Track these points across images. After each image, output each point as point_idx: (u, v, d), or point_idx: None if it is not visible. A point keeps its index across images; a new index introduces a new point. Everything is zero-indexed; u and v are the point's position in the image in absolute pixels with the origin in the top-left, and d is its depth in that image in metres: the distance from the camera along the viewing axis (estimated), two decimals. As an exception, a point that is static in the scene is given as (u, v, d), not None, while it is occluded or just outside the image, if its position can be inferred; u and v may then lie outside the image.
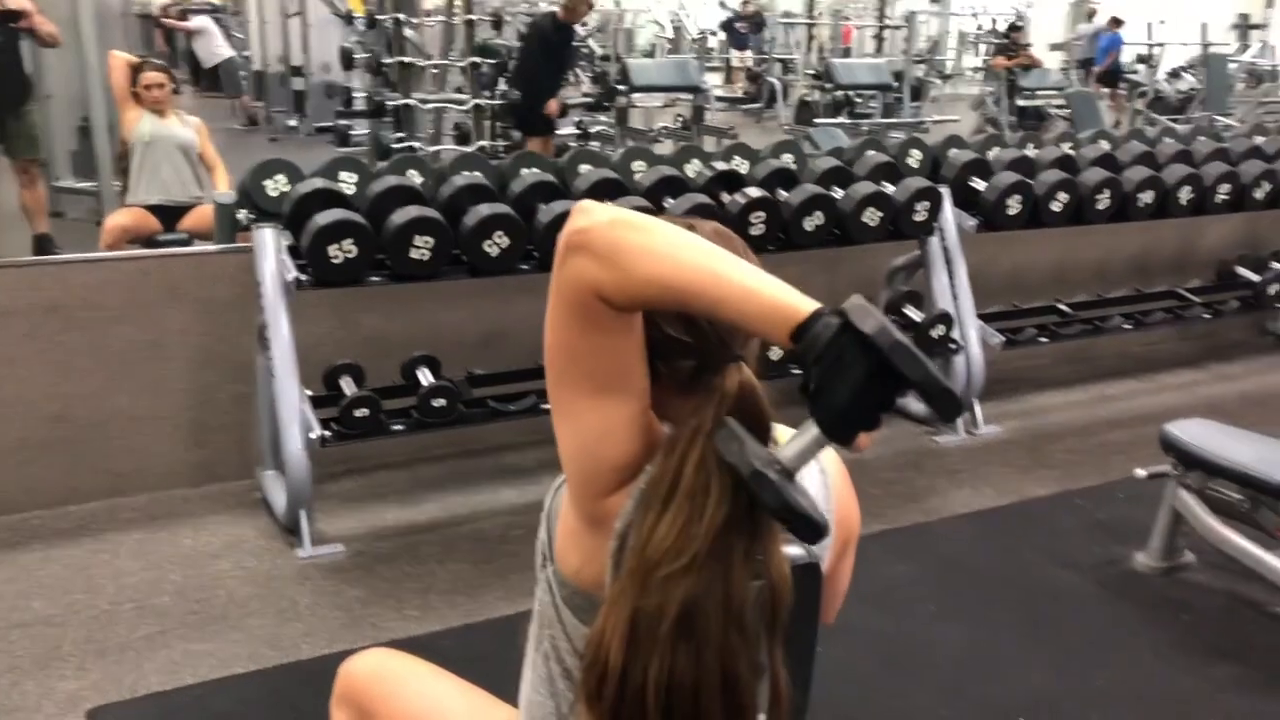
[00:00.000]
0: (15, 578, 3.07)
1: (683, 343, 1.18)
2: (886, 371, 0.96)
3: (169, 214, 5.19)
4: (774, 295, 1.00)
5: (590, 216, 1.04)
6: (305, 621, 2.91)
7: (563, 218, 3.50)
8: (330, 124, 10.07)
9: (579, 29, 8.75)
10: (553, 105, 7.75)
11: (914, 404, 3.72)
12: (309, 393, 3.31)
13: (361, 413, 3.26)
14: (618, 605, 1.15)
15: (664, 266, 1.02)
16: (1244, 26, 17.75)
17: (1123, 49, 15.19)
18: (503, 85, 8.68)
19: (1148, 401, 4.72)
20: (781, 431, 1.28)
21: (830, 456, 1.38)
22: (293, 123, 11.77)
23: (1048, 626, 2.96)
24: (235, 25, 14.50)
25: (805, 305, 1.00)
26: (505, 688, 1.59)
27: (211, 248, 3.73)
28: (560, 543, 1.29)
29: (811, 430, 1.04)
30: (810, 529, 1.05)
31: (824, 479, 1.35)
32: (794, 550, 1.28)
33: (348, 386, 3.39)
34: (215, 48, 12.43)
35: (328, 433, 3.23)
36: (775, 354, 3.43)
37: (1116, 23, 15.66)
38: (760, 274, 1.02)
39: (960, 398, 1.01)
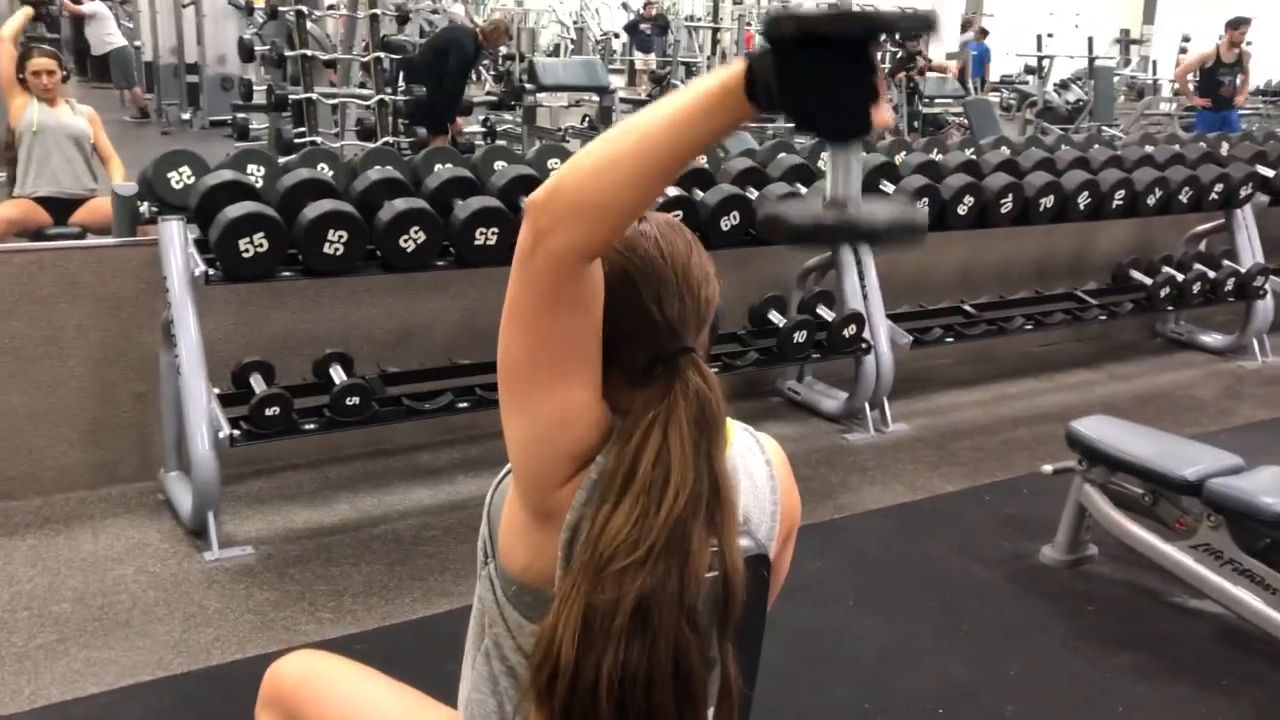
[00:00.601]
0: (-101, 586, 2.92)
1: (635, 334, 1.18)
2: (832, 43, 0.91)
3: (60, 207, 4.99)
4: (706, 89, 0.98)
5: (537, 201, 1.05)
6: (215, 626, 2.81)
7: (480, 214, 3.48)
8: (226, 118, 9.80)
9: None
10: (459, 122, 7.92)
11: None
12: (217, 391, 3.20)
13: (273, 411, 3.17)
14: (570, 600, 1.14)
15: (610, 165, 1.01)
16: (1125, 42, 18.47)
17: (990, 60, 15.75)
18: (403, 83, 8.57)
19: (1047, 400, 4.86)
20: (732, 426, 1.29)
21: (773, 447, 1.38)
22: (186, 116, 11.43)
23: (962, 619, 3.02)
24: (124, 15, 14.03)
25: (735, 68, 0.96)
26: (427, 690, 1.56)
27: (111, 241, 3.59)
28: (505, 539, 1.26)
29: (833, 150, 1.00)
30: (912, 232, 1.04)
31: (770, 469, 1.35)
32: (744, 542, 1.28)
33: (257, 384, 3.29)
34: (106, 34, 11.95)
35: (237, 432, 3.13)
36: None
37: (983, 34, 16.18)
38: (678, 93, 1.01)
39: (926, 14, 0.97)
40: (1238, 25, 8.86)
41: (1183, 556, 2.98)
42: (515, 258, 1.08)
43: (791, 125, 0.97)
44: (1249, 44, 9.20)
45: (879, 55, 0.96)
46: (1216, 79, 9.05)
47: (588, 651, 1.12)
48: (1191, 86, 9.40)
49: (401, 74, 8.57)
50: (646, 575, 1.12)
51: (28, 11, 5.60)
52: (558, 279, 1.06)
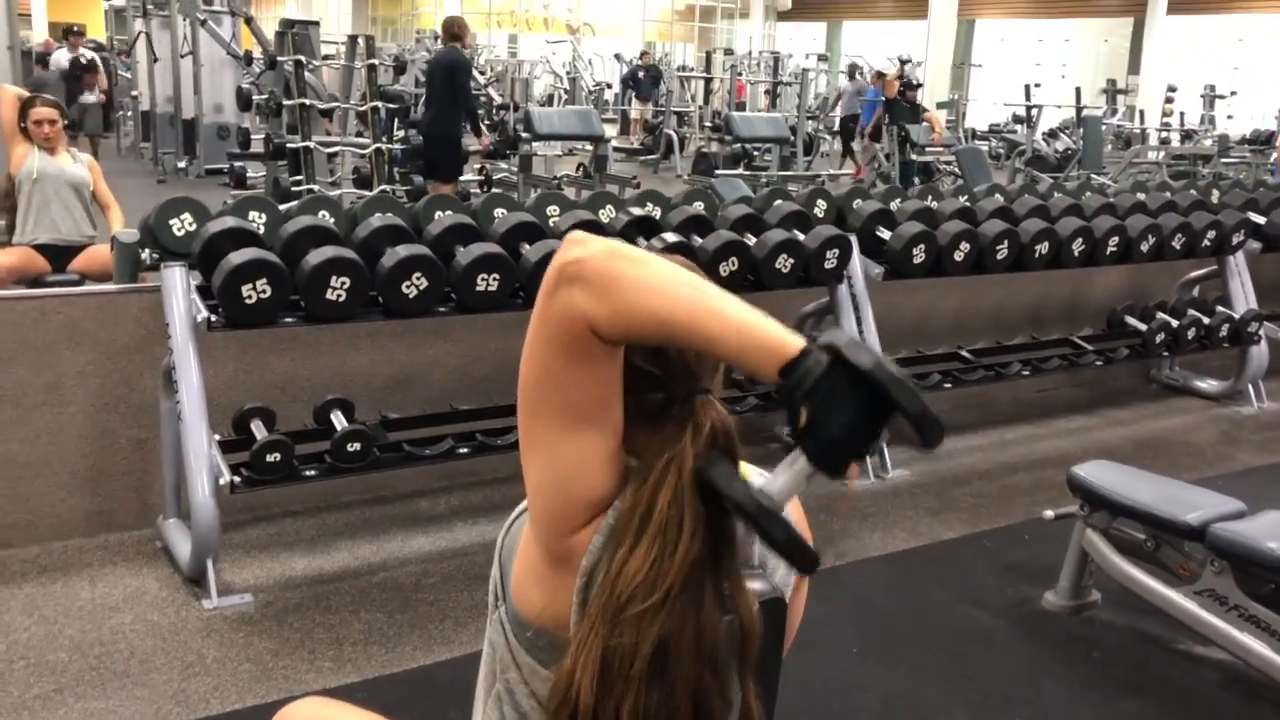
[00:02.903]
0: (-106, 635, 2.88)
1: (651, 375, 1.18)
2: (880, 404, 0.97)
3: (59, 254, 5.00)
4: (766, 331, 1.01)
5: (585, 248, 1.04)
6: (214, 675, 2.78)
7: (481, 261, 3.47)
8: (222, 166, 9.87)
9: (479, 77, 8.79)
10: (485, 139, 7.81)
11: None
12: (217, 437, 3.19)
13: (274, 457, 3.15)
14: (587, 644, 1.13)
15: (660, 301, 1.02)
16: (1112, 91, 18.71)
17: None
18: (400, 131, 8.66)
19: (1045, 446, 4.86)
20: (746, 468, 1.29)
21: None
22: (182, 164, 11.49)
23: (965, 666, 3.00)
24: (122, 65, 14.17)
25: (794, 341, 1.01)
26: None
27: (113, 287, 3.59)
28: (519, 582, 1.26)
29: (800, 463, 1.04)
30: (809, 561, 1.06)
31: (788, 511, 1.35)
32: (758, 585, 1.27)
33: (258, 430, 3.28)
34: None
35: (237, 478, 3.12)
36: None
37: (880, 76, 16.35)
38: (748, 309, 1.03)
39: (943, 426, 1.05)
40: None
41: (1187, 602, 2.97)
42: (540, 288, 1.08)
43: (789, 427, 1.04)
44: None
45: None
46: None
47: (607, 695, 1.11)
48: None
49: (396, 122, 8.66)
50: (665, 618, 1.11)
51: (21, 94, 5.55)
52: (570, 330, 1.06)
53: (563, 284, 1.04)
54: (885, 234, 4.46)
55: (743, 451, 1.20)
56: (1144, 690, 2.91)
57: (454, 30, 7.74)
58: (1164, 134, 16.33)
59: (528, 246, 3.55)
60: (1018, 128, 16.09)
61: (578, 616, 1.16)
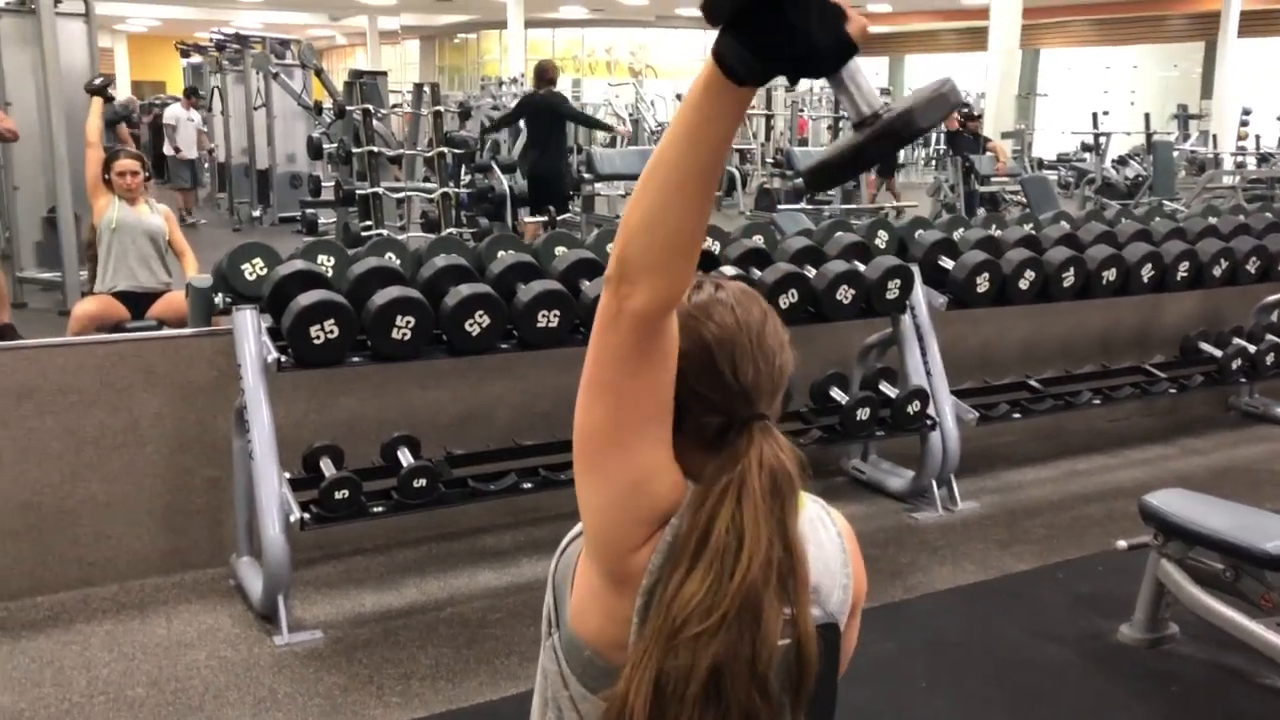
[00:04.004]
0: (-19, 671, 2.98)
1: (709, 398, 1.19)
2: None
3: (137, 300, 5.16)
4: (695, 98, 1.01)
5: (613, 276, 1.08)
6: (284, 711, 2.83)
7: (542, 297, 3.52)
8: (295, 213, 10.12)
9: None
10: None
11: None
12: (288, 475, 3.26)
13: (342, 494, 3.21)
14: (642, 666, 1.14)
15: (659, 208, 1.04)
16: (1184, 117, 18.40)
17: None
18: (466, 175, 8.82)
19: (1119, 476, 4.76)
20: (802, 495, 1.29)
21: (842, 519, 1.38)
22: (257, 213, 11.80)
23: (1037, 701, 2.94)
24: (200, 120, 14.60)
25: (706, 67, 0.99)
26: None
27: (187, 331, 3.70)
28: (577, 604, 1.26)
29: (832, 81, 1.02)
30: (944, 97, 1.01)
31: (841, 541, 1.35)
32: (814, 611, 1.27)
33: (327, 468, 3.34)
34: (182, 144, 12.48)
35: (307, 515, 3.18)
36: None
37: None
38: (675, 114, 1.04)
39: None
40: None
41: (1271, 635, 2.88)
42: (596, 328, 1.11)
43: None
44: None
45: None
46: None
47: (660, 718, 1.12)
48: None
49: (465, 168, 8.83)
50: (720, 642, 1.12)
51: (97, 101, 5.87)
52: (641, 336, 1.09)
53: (624, 304, 1.07)
54: (948, 264, 4.43)
55: (806, 483, 1.20)
56: (1226, 725, 2.83)
57: (549, 74, 8.10)
58: (1239, 158, 15.99)
59: (587, 283, 3.60)
60: (1086, 156, 15.87)
61: (635, 637, 1.17)
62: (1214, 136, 17.40)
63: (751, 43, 0.95)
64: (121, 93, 22.85)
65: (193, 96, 12.56)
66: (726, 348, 1.19)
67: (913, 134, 1.01)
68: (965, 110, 11.31)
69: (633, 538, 1.17)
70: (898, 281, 4.16)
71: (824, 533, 1.33)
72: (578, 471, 1.19)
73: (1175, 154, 14.65)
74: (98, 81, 6.06)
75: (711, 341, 1.19)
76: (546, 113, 7.99)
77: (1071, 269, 4.51)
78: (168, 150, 12.62)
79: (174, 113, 12.55)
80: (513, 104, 14.33)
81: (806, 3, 0.94)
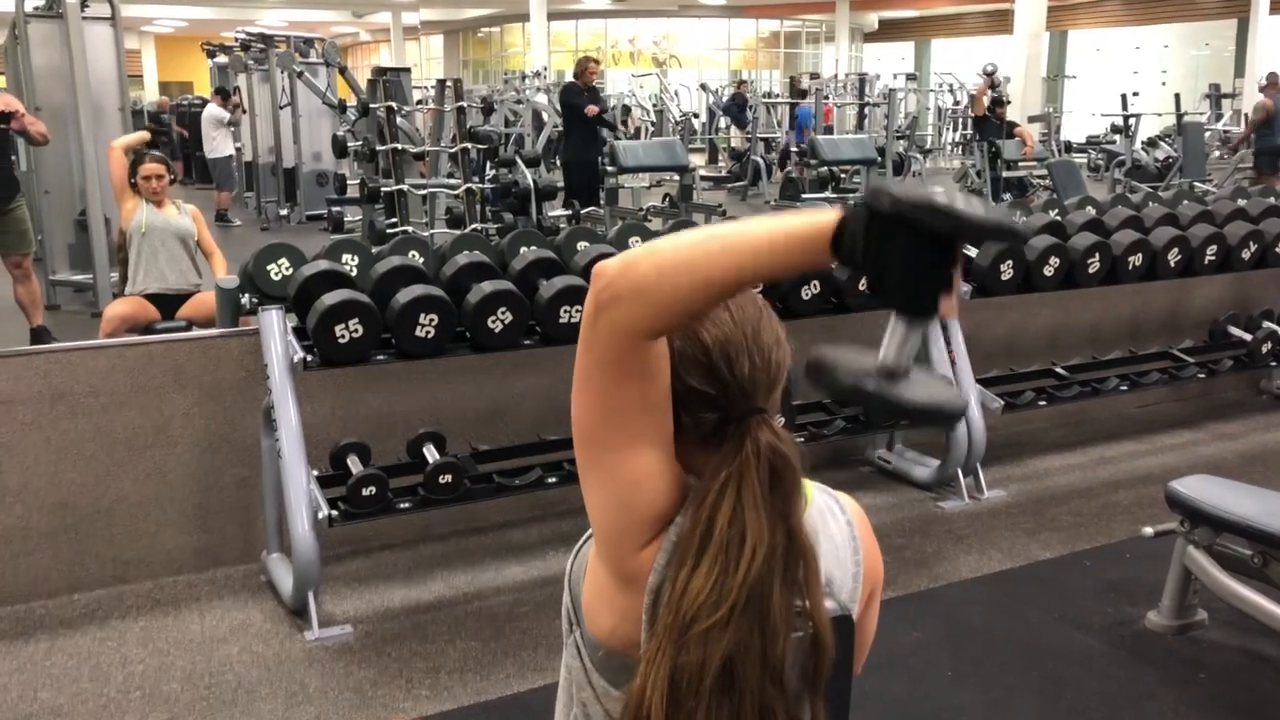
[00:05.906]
0: (21, 668, 3.04)
1: (706, 394, 1.20)
2: (924, 233, 0.95)
3: (168, 302, 5.22)
4: (796, 227, 1.00)
5: (606, 272, 1.08)
6: (316, 704, 2.87)
7: (564, 293, 3.54)
8: (321, 212, 10.19)
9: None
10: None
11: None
12: (315, 473, 3.30)
13: (369, 491, 3.25)
14: (656, 662, 1.15)
15: (690, 270, 1.04)
16: (1216, 96, 18.16)
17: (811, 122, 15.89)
18: (491, 170, 8.87)
19: (1147, 462, 4.73)
20: (809, 486, 1.30)
21: (852, 506, 1.39)
22: (284, 212, 11.89)
23: (1064, 689, 2.93)
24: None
25: (827, 219, 0.99)
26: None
27: (215, 332, 3.74)
28: (590, 604, 1.28)
29: (893, 322, 1.03)
30: (946, 417, 1.04)
31: (851, 529, 1.35)
32: (827, 604, 1.28)
33: (354, 465, 3.38)
34: (217, 142, 12.45)
35: (335, 512, 3.22)
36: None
37: (802, 95, 16.21)
38: (768, 220, 1.03)
39: (1017, 227, 1.00)
40: None
41: (1298, 620, 2.86)
42: (581, 321, 1.12)
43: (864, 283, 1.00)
44: None
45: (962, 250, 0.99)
46: None
47: (677, 712, 1.13)
48: None
49: (490, 164, 8.88)
50: (730, 635, 1.13)
51: (144, 136, 5.92)
52: (619, 350, 1.10)
53: (601, 312, 1.08)
54: (971, 251, 4.41)
55: (829, 476, 1.21)
56: (1253, 713, 2.81)
57: (583, 71, 9.45)
58: (1272, 137, 15.74)
59: (610, 278, 3.60)
60: (1116, 138, 15.71)
61: (646, 635, 1.19)
62: (1246, 116, 17.16)
63: (874, 243, 0.96)
64: (150, 94, 23.05)
65: (222, 95, 12.63)
66: (722, 344, 1.20)
67: (902, 420, 1.04)
68: (994, 94, 11.22)
69: (636, 537, 1.18)
70: (920, 270, 4.14)
71: (834, 523, 1.34)
72: (579, 468, 1.21)
73: (1207, 134, 14.46)
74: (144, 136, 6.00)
75: (708, 338, 1.19)
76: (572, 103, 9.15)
77: (1097, 255, 4.48)
78: (207, 152, 12.59)
79: (212, 113, 12.54)
80: (536, 98, 14.40)
81: (938, 265, 0.96)
